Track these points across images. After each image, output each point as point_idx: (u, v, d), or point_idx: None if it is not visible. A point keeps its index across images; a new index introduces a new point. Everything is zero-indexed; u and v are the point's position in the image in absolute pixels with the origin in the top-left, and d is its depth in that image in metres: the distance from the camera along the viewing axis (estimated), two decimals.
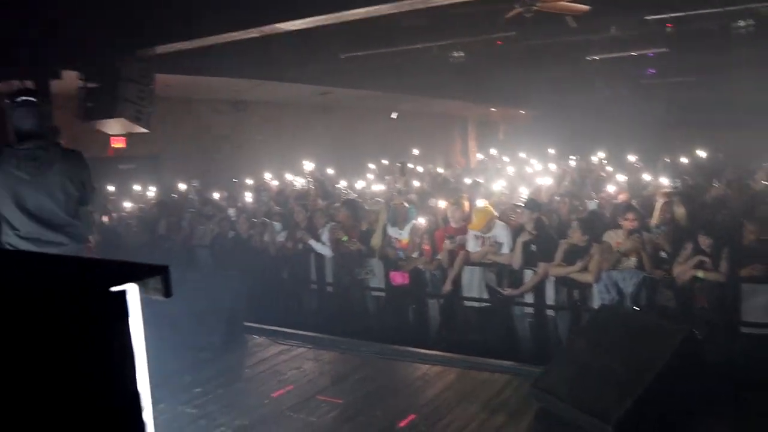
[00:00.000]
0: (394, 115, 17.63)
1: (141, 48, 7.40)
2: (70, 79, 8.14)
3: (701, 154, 13.99)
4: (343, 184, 11.56)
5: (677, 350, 3.95)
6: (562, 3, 8.30)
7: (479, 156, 17.05)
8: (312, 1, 5.86)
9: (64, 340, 1.09)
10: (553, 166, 12.08)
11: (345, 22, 6.87)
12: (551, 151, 14.90)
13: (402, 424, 4.12)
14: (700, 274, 6.01)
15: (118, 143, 11.55)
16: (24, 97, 3.87)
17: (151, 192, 10.97)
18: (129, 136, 11.26)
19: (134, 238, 8.99)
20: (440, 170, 13.36)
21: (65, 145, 4.34)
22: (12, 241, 3.80)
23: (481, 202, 7.78)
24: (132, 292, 1.28)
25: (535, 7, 8.09)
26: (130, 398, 1.21)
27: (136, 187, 11.05)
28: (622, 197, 8.21)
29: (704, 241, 6.11)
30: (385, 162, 14.19)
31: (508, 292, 6.74)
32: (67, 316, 1.11)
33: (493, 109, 20.66)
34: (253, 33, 6.51)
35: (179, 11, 6.61)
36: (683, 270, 6.14)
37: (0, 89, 8.20)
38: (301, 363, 5.26)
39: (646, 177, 10.04)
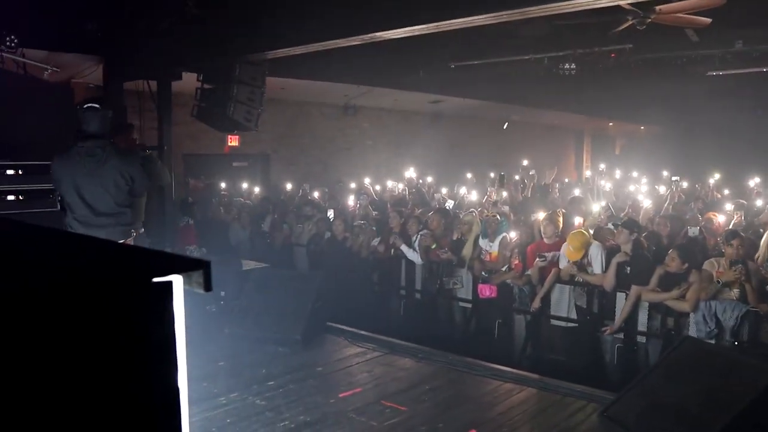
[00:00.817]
0: (505, 126, 17.41)
1: (252, 53, 7.76)
2: (190, 81, 8.66)
3: None
4: (442, 192, 11.56)
5: (763, 393, 3.66)
6: (679, 15, 7.88)
7: (587, 172, 16.48)
8: (408, 12, 5.92)
9: (102, 328, 1.07)
10: (663, 187, 11.46)
11: (454, 30, 6.89)
12: (665, 172, 14.13)
13: None
14: None
15: (233, 141, 12.15)
16: (90, 104, 4.59)
17: (259, 189, 11.45)
18: (242, 135, 11.85)
19: (239, 232, 9.43)
20: (545, 183, 13.05)
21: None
22: (71, 223, 4.56)
23: (577, 220, 7.56)
24: (177, 283, 1.33)
25: (649, 20, 7.74)
26: (168, 394, 1.19)
27: (245, 185, 11.57)
28: (732, 223, 7.68)
29: None
30: (492, 174, 14.02)
31: (608, 331, 6.45)
32: (107, 304, 1.09)
33: (610, 123, 19.92)
34: (354, 41, 6.66)
35: (283, 19, 6.88)
36: None
37: (128, 88, 8.94)
38: (373, 367, 5.34)
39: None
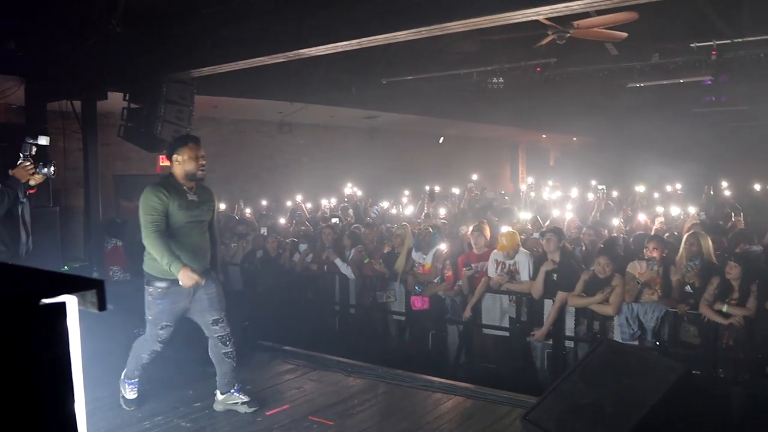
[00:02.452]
0: (440, 140, 17.67)
1: (177, 71, 7.68)
2: (119, 100, 8.51)
3: (757, 186, 13.50)
4: (377, 208, 11.63)
5: (670, 389, 3.81)
6: (597, 30, 8.18)
7: (522, 186, 16.91)
8: (330, 29, 5.98)
9: None
10: (590, 195, 11.84)
11: (384, 47, 6.98)
12: (593, 181, 14.61)
13: None
14: (725, 308, 5.77)
15: (166, 161, 11.93)
16: None
17: None
18: None
19: None
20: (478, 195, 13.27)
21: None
22: None
23: (505, 228, 7.71)
24: (71, 304, 1.25)
25: (568, 34, 8.01)
26: (62, 422, 1.11)
27: None
28: (654, 228, 7.98)
29: (732, 271, 5.86)
30: (427, 187, 14.20)
31: (536, 336, 6.57)
32: None
33: (543, 135, 20.44)
34: (278, 59, 6.68)
35: (207, 37, 6.87)
36: (707, 305, 5.91)
37: (51, 108, 8.72)
38: (303, 383, 5.31)
39: (690, 209, 9.72)
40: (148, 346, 4.70)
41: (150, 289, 4.58)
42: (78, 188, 9.35)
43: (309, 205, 11.88)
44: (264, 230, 9.21)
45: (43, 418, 1.07)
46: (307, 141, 14.98)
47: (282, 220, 10.06)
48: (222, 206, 11.53)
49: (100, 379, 4.75)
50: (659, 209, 9.48)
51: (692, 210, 8.78)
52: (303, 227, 9.43)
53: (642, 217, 8.29)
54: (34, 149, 4.91)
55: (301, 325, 7.52)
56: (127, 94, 8.43)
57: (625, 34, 8.42)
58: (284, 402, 4.80)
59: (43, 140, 4.90)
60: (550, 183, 15.99)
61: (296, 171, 14.47)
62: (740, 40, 9.12)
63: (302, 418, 4.53)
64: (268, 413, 4.61)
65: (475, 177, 15.31)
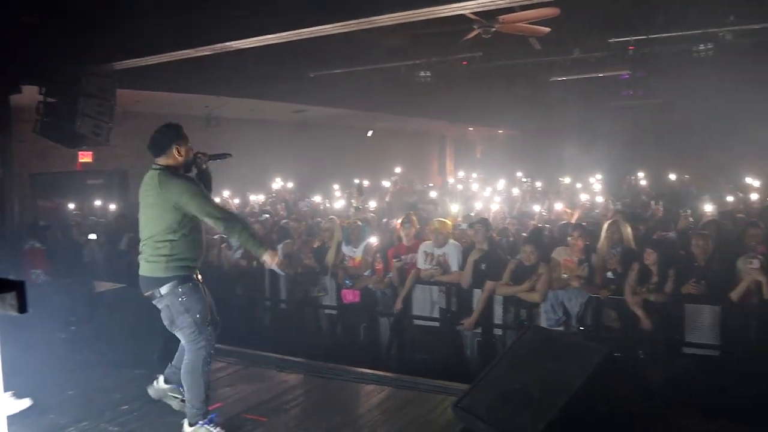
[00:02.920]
0: (369, 134, 17.72)
1: (96, 63, 7.41)
2: (32, 94, 8.13)
3: (672, 175, 14.17)
4: (307, 202, 11.58)
5: (594, 372, 3.95)
6: (521, 25, 8.39)
7: (450, 179, 17.23)
8: (258, 22, 5.91)
9: None
10: (515, 189, 12.17)
11: (312, 40, 6.92)
12: (519, 173, 15.03)
13: None
14: (652, 297, 6.01)
15: (86, 158, 11.52)
16: None
17: (115, 207, 10.91)
18: (97, 151, 11.27)
19: (94, 253, 8.96)
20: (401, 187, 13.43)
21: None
22: None
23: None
24: None
25: (494, 29, 8.18)
26: None
27: (98, 202, 10.98)
28: (574, 217, 8.27)
29: (650, 257, 6.13)
30: (357, 181, 14.24)
31: (465, 325, 6.68)
32: None
33: (470, 128, 20.79)
34: (205, 51, 6.54)
35: (129, 28, 6.65)
36: (632, 290, 6.16)
37: None
38: (235, 381, 5.25)
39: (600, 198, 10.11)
40: (205, 353, 4.24)
41: (181, 289, 4.19)
42: None
43: (237, 201, 11.69)
44: None
45: None
46: (235, 135, 14.71)
47: None
48: None
49: (21, 386, 4.54)
50: (584, 197, 9.82)
51: (611, 205, 9.14)
52: None
53: (559, 206, 8.61)
54: None
55: (231, 321, 7.39)
56: (43, 88, 8.07)
57: (547, 29, 8.66)
58: (217, 400, 4.70)
59: None
60: (474, 176, 16.31)
61: (224, 166, 14.10)
62: (655, 36, 9.51)
63: (235, 416, 4.48)
64: None
65: (398, 170, 15.47)
